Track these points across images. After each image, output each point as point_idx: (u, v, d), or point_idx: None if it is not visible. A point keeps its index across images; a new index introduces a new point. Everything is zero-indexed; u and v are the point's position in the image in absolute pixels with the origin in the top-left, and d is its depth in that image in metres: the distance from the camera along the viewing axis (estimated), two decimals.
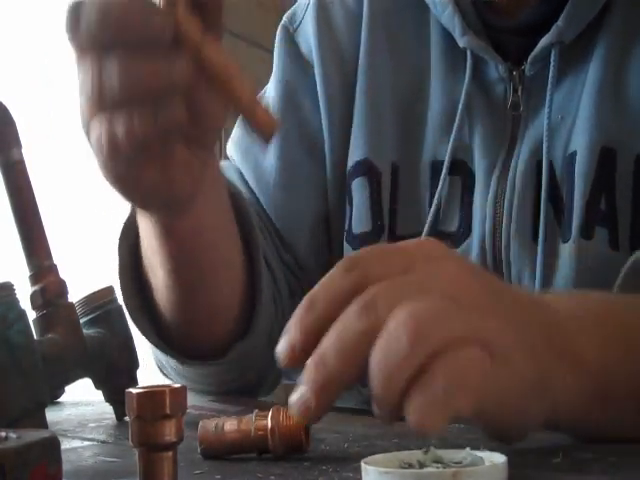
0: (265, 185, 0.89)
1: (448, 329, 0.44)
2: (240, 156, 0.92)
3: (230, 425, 0.54)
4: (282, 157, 0.89)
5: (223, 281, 0.76)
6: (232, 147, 0.94)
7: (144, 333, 0.76)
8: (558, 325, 0.52)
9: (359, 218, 0.86)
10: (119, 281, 0.75)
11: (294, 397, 0.45)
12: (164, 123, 0.54)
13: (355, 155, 0.87)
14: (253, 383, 0.85)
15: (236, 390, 0.83)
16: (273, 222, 0.89)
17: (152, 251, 0.71)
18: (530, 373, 0.49)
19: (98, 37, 0.53)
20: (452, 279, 0.48)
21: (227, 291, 0.76)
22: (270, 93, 0.94)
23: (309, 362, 0.45)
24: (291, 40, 0.94)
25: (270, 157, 0.90)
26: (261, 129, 0.54)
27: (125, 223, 0.76)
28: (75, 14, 0.53)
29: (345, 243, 0.87)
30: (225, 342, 0.77)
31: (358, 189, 0.87)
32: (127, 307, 0.74)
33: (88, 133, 0.57)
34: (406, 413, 0.42)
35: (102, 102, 0.54)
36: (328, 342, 0.45)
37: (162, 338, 0.76)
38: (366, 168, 0.86)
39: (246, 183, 0.90)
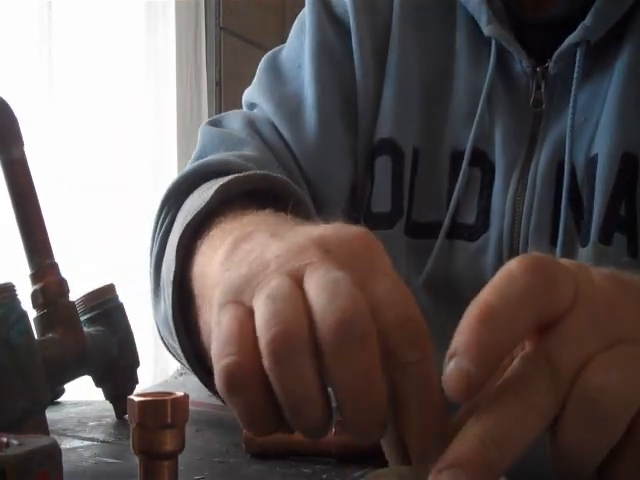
0: (303, 148, 0.85)
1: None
2: (273, 106, 0.87)
3: None
4: (321, 121, 0.85)
5: None
6: (259, 93, 0.89)
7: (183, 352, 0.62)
8: None
9: (379, 197, 0.83)
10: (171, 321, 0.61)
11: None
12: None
13: (381, 132, 0.85)
14: None
15: None
16: (305, 189, 0.83)
17: None
18: None
19: None
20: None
21: None
22: (302, 50, 0.88)
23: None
24: (326, 2, 0.90)
25: (310, 116, 0.85)
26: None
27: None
28: None
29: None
30: None
31: (381, 167, 0.84)
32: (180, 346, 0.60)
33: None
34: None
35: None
36: (507, 422, 0.39)
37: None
38: (390, 147, 0.85)
39: (282, 137, 0.85)
